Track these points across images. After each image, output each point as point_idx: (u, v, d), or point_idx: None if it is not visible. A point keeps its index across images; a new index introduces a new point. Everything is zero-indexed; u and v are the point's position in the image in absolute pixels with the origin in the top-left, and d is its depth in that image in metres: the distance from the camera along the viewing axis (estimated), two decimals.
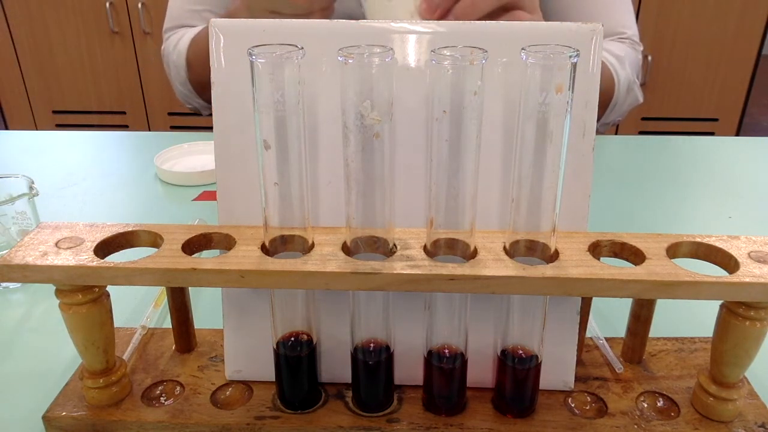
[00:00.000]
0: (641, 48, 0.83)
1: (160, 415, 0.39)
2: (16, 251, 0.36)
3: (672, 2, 1.93)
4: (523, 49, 0.31)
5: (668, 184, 0.77)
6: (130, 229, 0.39)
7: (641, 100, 0.82)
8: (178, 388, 0.41)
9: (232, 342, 0.41)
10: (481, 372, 0.40)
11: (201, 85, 0.82)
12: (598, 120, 0.84)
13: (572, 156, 0.37)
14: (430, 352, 0.38)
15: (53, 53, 2.13)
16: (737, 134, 2.11)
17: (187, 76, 0.81)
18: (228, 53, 0.38)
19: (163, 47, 0.86)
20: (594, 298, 0.41)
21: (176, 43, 0.82)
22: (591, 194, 0.38)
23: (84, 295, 0.37)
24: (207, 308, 0.51)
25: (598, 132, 0.82)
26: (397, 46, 0.38)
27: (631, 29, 0.82)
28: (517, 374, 0.38)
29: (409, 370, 0.40)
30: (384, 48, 0.31)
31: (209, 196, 0.73)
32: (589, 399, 0.40)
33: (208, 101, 0.84)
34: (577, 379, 0.41)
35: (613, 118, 0.81)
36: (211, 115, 0.87)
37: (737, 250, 0.36)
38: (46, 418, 0.39)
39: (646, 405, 0.40)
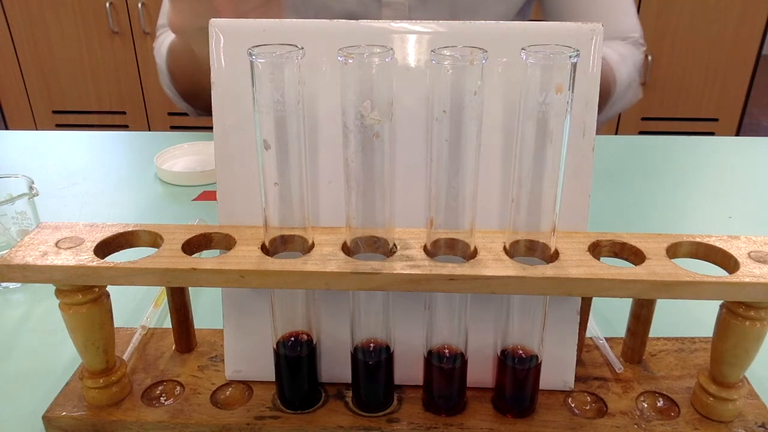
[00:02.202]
0: (644, 48, 0.84)
1: (160, 415, 0.39)
2: (16, 251, 0.36)
3: (672, 2, 1.93)
4: (523, 49, 0.31)
5: (668, 184, 0.77)
6: (130, 229, 0.39)
7: (640, 96, 0.84)
8: (178, 388, 0.41)
9: (232, 342, 0.41)
10: (481, 372, 0.40)
11: (185, 93, 0.80)
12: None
13: (572, 156, 0.37)
14: (430, 352, 0.38)
15: (53, 53, 2.13)
16: (737, 134, 2.11)
17: (170, 82, 0.80)
18: (228, 53, 0.38)
19: (154, 44, 0.85)
20: (594, 298, 0.41)
21: (160, 46, 0.81)
22: (591, 194, 0.38)
23: (84, 295, 0.37)
24: (207, 308, 0.51)
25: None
26: (397, 46, 0.38)
27: (637, 31, 0.83)
28: (517, 374, 0.38)
29: (409, 370, 0.40)
30: (384, 48, 0.31)
31: (209, 196, 0.73)
32: (589, 399, 0.40)
33: (196, 107, 0.81)
34: (577, 379, 0.41)
35: (611, 114, 0.82)
36: (201, 115, 0.85)
37: (737, 250, 0.36)
38: (46, 418, 0.39)
39: (646, 405, 0.40)
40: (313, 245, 0.36)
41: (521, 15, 0.87)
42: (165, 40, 0.80)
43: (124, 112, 2.22)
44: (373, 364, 0.38)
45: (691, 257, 0.38)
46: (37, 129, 2.26)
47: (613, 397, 0.40)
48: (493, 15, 0.82)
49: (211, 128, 0.39)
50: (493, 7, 0.82)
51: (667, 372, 0.42)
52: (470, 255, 0.35)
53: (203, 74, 0.78)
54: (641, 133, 2.13)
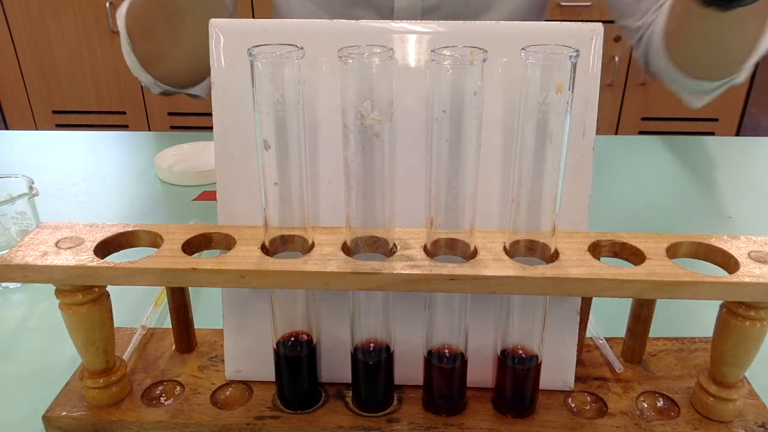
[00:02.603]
0: None
1: (160, 415, 0.39)
2: (16, 251, 0.36)
3: None
4: (523, 49, 0.31)
5: (668, 184, 0.77)
6: (130, 229, 0.39)
7: None
8: (178, 388, 0.41)
9: (232, 342, 0.41)
10: (481, 372, 0.40)
11: (145, 59, 0.73)
12: (745, 64, 0.66)
13: (572, 156, 0.37)
14: (430, 352, 0.38)
15: (53, 53, 2.12)
16: (737, 134, 2.10)
17: (130, 46, 0.72)
18: (228, 53, 0.38)
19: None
20: (594, 298, 0.41)
21: (121, 9, 0.73)
22: (591, 194, 0.38)
23: (84, 295, 0.37)
24: (207, 308, 0.51)
25: (728, 85, 0.69)
26: (397, 46, 0.38)
27: None
28: (517, 374, 0.38)
29: (409, 370, 0.40)
30: (384, 48, 0.31)
31: (209, 196, 0.73)
32: (589, 399, 0.40)
33: (155, 76, 0.74)
34: (577, 379, 0.41)
35: (757, 58, 0.70)
36: (163, 93, 0.79)
37: (737, 250, 0.36)
38: (46, 418, 0.39)
39: (646, 405, 0.40)
40: (313, 245, 0.36)
41: (539, 4, 0.82)
42: (126, 1, 0.73)
43: (124, 112, 2.22)
44: (373, 364, 0.38)
45: (691, 257, 0.38)
46: (37, 129, 2.26)
47: (613, 397, 0.40)
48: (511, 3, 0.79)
49: (211, 128, 0.39)
50: None
51: (667, 372, 0.42)
52: (470, 255, 0.35)
53: (160, 24, 0.68)
54: (641, 133, 2.12)
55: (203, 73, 0.77)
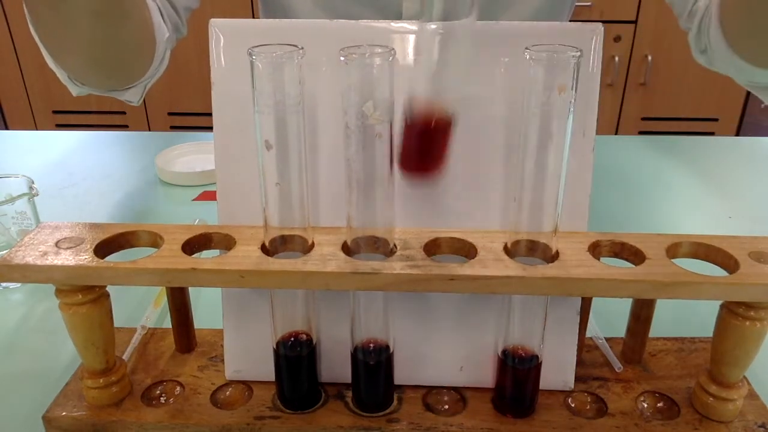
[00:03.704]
0: None
1: (160, 415, 0.39)
2: (16, 251, 0.36)
3: None
4: (526, 48, 0.31)
5: (668, 184, 0.77)
6: (130, 229, 0.39)
7: None
8: (178, 388, 0.41)
9: (232, 342, 0.41)
10: (481, 372, 0.40)
11: (48, 46, 0.55)
12: None
13: (572, 156, 0.37)
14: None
15: None
16: (737, 134, 2.10)
17: (34, 30, 0.54)
18: (228, 53, 0.38)
19: None
20: (594, 298, 0.41)
21: None
22: (591, 194, 0.38)
23: (84, 295, 0.37)
24: (207, 308, 0.51)
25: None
26: (398, 46, 0.38)
27: None
28: (517, 374, 0.38)
29: (409, 370, 0.40)
30: (385, 48, 0.31)
31: (209, 196, 0.73)
32: (589, 399, 0.40)
33: (68, 69, 0.58)
34: (577, 379, 0.41)
35: None
36: (84, 89, 0.65)
37: (737, 250, 0.36)
38: (46, 418, 0.39)
39: (646, 405, 0.40)
40: (313, 245, 0.36)
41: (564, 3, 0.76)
42: None
43: (124, 112, 2.22)
44: (373, 364, 0.38)
45: (691, 257, 0.37)
46: (37, 129, 2.26)
47: (613, 397, 0.40)
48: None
49: (211, 128, 0.39)
50: None
51: (667, 372, 0.42)
52: (471, 255, 0.35)
53: (41, 4, 0.49)
54: (641, 133, 2.12)
55: (125, 75, 0.63)
